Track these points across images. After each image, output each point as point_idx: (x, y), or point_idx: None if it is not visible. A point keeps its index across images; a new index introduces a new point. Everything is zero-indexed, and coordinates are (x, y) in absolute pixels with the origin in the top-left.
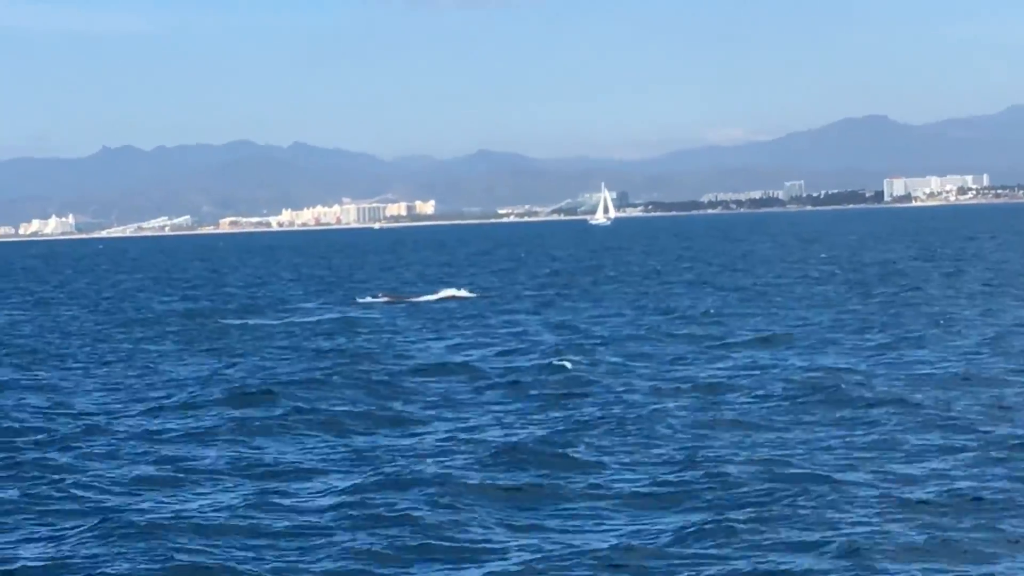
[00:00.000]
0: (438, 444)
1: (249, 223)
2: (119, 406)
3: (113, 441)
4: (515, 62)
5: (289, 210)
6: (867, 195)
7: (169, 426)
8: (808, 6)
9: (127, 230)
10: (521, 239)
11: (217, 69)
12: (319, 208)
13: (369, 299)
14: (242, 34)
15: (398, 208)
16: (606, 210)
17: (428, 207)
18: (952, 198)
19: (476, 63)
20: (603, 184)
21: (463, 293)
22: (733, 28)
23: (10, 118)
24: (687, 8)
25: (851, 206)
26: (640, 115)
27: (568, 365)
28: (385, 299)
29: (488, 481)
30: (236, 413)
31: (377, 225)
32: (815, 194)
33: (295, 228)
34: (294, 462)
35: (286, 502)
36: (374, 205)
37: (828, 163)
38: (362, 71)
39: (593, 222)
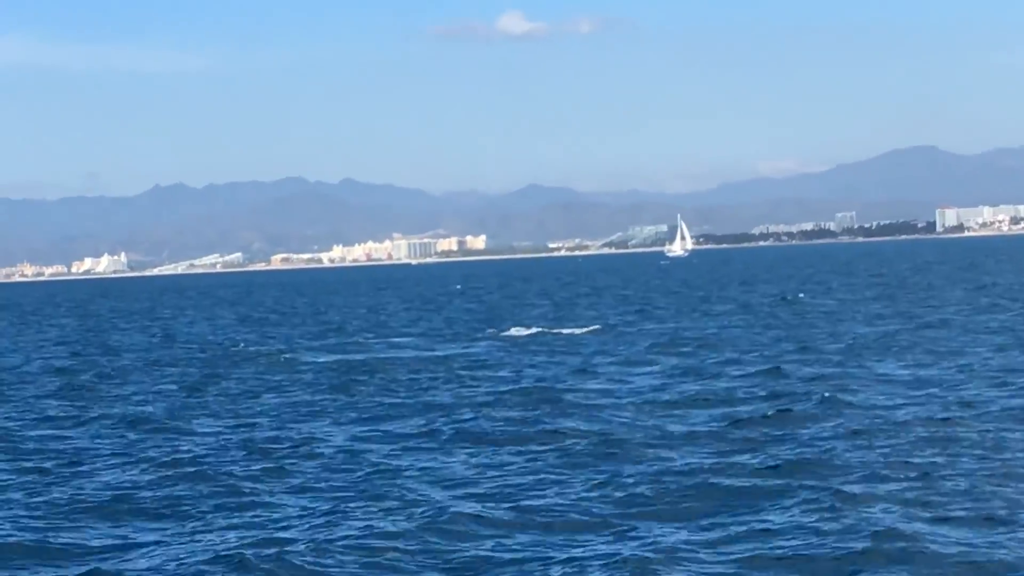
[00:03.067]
0: None
1: (300, 259)
2: None
3: None
4: (564, 96)
5: (340, 246)
6: (919, 225)
7: None
8: (854, 37)
9: (179, 267)
10: (615, 275)
11: (267, 106)
12: (370, 244)
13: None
14: (291, 71)
15: (448, 243)
16: (683, 241)
17: (479, 242)
18: (1005, 228)
19: (525, 97)
20: (679, 215)
21: None
22: (782, 60)
23: (62, 157)
24: (737, 40)
25: (903, 237)
26: (690, 147)
27: None
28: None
29: None
30: None
31: (415, 261)
32: (867, 225)
33: (347, 264)
34: None
35: None
36: (425, 240)
37: (878, 194)
38: (411, 106)
39: (671, 254)
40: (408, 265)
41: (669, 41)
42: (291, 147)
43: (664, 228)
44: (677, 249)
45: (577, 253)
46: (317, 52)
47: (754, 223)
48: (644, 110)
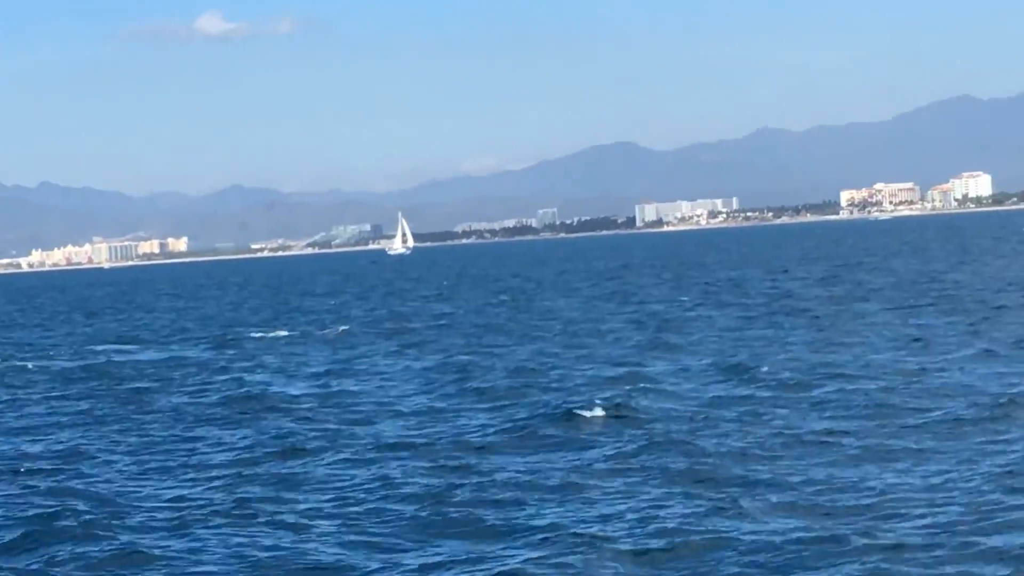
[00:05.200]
0: None
1: None
2: None
3: None
4: (266, 96)
5: (39, 250)
6: (619, 221)
7: None
8: (555, 36)
9: None
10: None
11: None
12: (70, 248)
13: None
14: None
15: (150, 245)
16: (404, 239)
17: (181, 244)
18: (703, 222)
19: (225, 98)
20: (400, 213)
21: None
22: (482, 59)
23: None
24: (437, 41)
25: (604, 232)
26: (393, 147)
27: None
28: None
29: None
30: None
31: (107, 265)
32: (568, 221)
33: (46, 269)
34: None
35: None
36: (125, 243)
37: (580, 190)
38: (108, 109)
39: (392, 252)
40: (101, 268)
41: (368, 42)
42: None
43: (367, 227)
44: (399, 246)
45: (280, 254)
46: (8, 55)
47: (457, 221)
48: (346, 110)
